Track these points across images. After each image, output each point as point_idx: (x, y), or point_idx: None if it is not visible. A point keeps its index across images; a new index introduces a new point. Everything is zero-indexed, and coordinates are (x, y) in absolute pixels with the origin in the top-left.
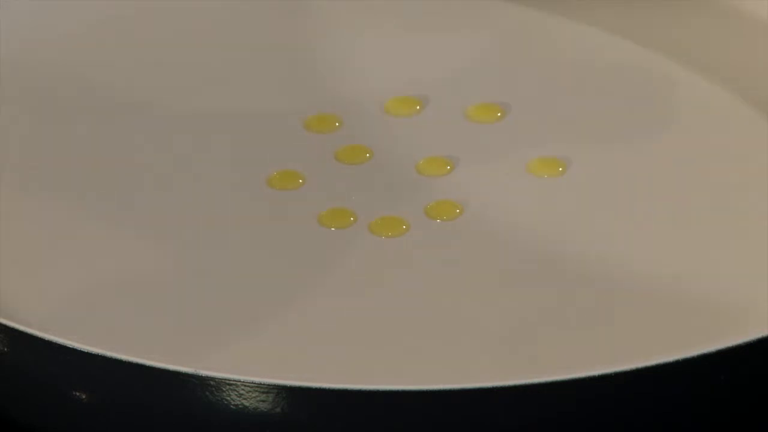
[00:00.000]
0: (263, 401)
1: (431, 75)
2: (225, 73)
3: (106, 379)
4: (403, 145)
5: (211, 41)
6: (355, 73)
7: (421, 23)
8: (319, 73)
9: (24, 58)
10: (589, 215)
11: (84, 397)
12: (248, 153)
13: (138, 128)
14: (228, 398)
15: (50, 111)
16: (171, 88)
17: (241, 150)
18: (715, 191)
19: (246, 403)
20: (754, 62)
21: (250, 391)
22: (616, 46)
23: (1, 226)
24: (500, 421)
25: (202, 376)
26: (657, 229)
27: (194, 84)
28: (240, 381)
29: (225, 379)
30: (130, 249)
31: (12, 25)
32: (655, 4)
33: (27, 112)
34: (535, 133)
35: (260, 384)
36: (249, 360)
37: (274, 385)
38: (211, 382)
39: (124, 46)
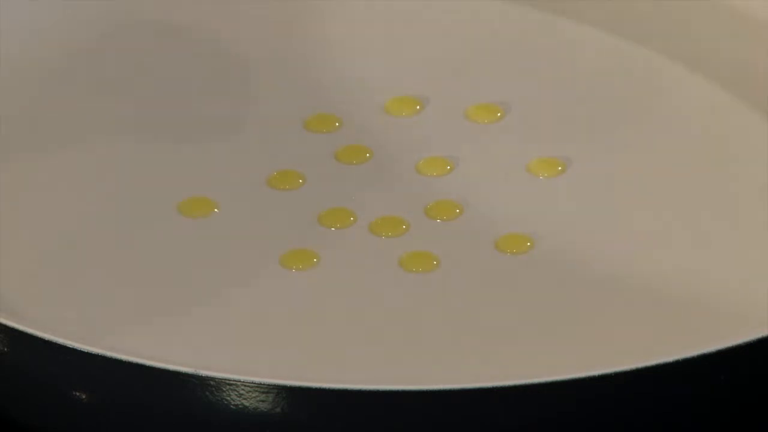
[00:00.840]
0: (263, 401)
1: (431, 75)
2: (225, 73)
3: (106, 379)
4: (403, 145)
5: (212, 42)
6: (355, 73)
7: (420, 23)
8: (319, 73)
9: (24, 58)
10: (589, 215)
11: (84, 397)
12: (248, 152)
13: (137, 128)
14: (228, 398)
15: (51, 110)
16: (171, 88)
17: (241, 150)
18: (715, 191)
19: (246, 403)
20: (754, 62)
21: (250, 391)
22: (616, 47)
23: (1, 226)
24: (500, 421)
25: (202, 376)
26: (657, 229)
27: (194, 84)
28: (240, 381)
29: (225, 379)
30: (130, 249)
31: (12, 25)
32: (655, 4)
33: (27, 111)
34: (535, 133)
35: (260, 384)
36: (249, 360)
37: (274, 385)
38: (211, 382)
39: (124, 47)
